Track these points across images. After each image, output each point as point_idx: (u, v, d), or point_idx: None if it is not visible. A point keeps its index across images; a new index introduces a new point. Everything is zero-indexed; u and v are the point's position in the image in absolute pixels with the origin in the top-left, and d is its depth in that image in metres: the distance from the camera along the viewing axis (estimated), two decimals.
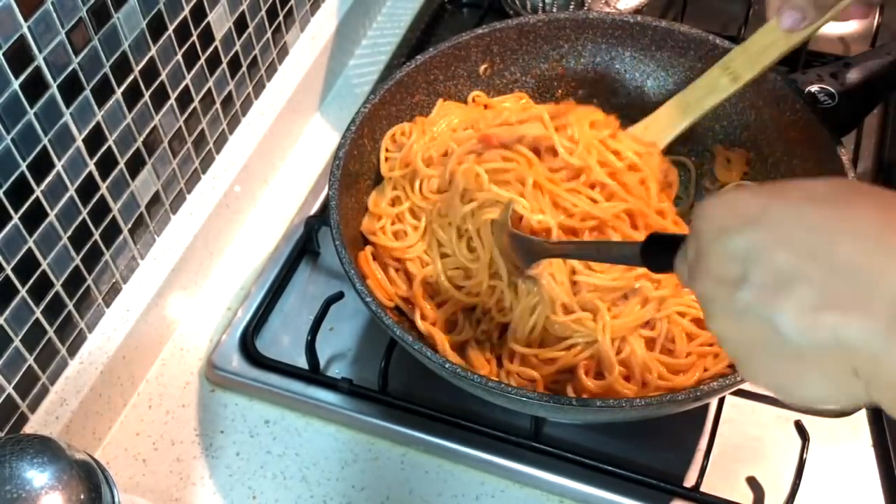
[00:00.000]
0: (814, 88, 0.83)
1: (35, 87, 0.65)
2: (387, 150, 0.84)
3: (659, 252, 0.55)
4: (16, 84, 0.63)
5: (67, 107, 0.68)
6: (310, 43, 1.01)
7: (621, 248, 0.65)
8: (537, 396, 0.65)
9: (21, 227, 0.67)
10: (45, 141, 0.67)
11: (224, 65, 0.87)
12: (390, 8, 1.15)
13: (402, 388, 0.79)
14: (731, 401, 0.77)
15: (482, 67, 0.88)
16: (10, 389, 0.70)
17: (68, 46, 0.67)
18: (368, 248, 0.80)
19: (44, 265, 0.70)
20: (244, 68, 0.90)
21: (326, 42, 1.02)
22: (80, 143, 0.71)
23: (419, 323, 0.76)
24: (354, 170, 0.80)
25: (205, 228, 0.87)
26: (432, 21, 1.11)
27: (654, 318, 0.73)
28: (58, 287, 0.72)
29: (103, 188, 0.75)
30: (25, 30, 0.62)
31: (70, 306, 0.75)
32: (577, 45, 0.89)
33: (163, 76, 0.78)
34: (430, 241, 0.78)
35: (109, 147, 0.74)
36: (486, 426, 0.76)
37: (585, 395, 0.72)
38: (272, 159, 0.97)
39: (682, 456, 0.75)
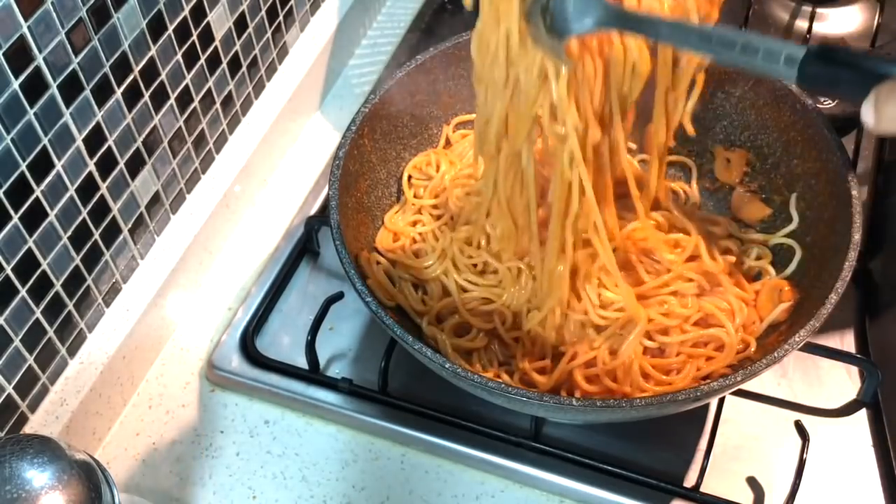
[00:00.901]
0: None
1: (35, 87, 0.65)
2: (410, 177, 0.86)
3: (833, 65, 0.44)
4: (16, 84, 0.63)
5: (67, 107, 0.68)
6: (310, 43, 1.01)
7: (751, 40, 0.47)
8: (537, 396, 0.65)
9: (21, 227, 0.67)
10: (45, 141, 0.67)
11: (224, 65, 0.87)
12: (390, 8, 1.15)
13: (402, 388, 0.79)
14: (731, 401, 0.76)
15: None
16: (10, 389, 0.70)
17: (68, 46, 0.67)
18: (374, 255, 0.80)
19: (44, 265, 0.70)
20: (244, 68, 0.90)
21: (326, 42, 1.02)
22: (80, 143, 0.71)
23: (425, 327, 0.76)
24: (354, 170, 0.80)
25: (205, 228, 0.87)
26: (432, 21, 1.11)
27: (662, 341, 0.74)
28: (58, 287, 0.72)
29: (103, 188, 0.75)
30: (25, 30, 0.62)
31: (70, 306, 0.74)
32: None
33: (163, 76, 0.78)
34: (446, 266, 0.79)
35: (109, 147, 0.74)
36: (486, 426, 0.76)
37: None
38: (272, 159, 0.97)
39: (682, 456, 0.75)
